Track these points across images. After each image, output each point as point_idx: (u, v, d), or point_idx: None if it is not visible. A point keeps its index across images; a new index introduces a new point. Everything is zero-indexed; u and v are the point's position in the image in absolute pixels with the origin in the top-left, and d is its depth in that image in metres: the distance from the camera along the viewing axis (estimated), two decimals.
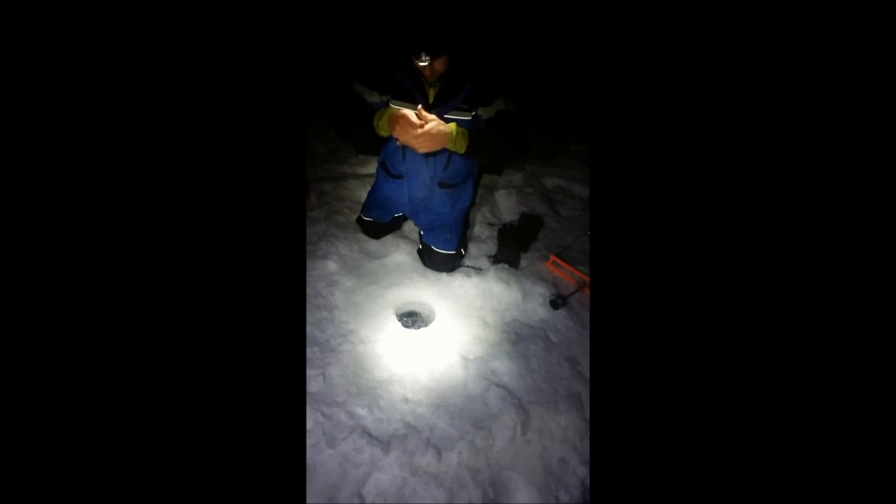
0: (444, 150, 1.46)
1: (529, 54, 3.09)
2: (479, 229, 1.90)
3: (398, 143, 1.35)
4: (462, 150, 1.35)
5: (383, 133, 1.38)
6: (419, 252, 1.73)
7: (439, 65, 1.30)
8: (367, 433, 1.18)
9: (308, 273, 1.62)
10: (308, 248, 1.73)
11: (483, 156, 1.42)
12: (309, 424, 1.19)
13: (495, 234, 1.86)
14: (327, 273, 1.64)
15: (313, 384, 1.29)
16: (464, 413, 1.25)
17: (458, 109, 1.38)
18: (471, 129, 1.37)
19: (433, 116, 1.31)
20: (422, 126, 1.28)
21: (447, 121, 1.38)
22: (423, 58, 1.23)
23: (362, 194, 1.96)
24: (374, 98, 1.44)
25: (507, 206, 2.05)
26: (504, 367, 1.37)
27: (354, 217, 1.87)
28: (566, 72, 2.86)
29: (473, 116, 1.40)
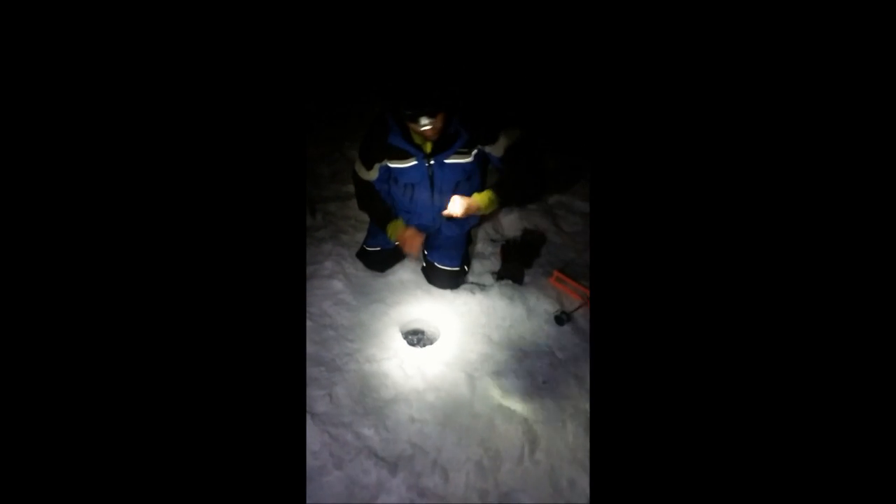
0: (450, 192, 1.53)
1: (522, 75, 3.15)
2: (481, 246, 1.91)
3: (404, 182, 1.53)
4: (496, 206, 1.48)
5: (393, 240, 1.63)
6: (423, 269, 1.74)
7: (438, 122, 1.34)
8: (373, 454, 1.18)
9: (314, 292, 1.63)
10: (314, 267, 1.74)
11: (516, 201, 1.49)
12: (316, 446, 1.18)
13: (498, 250, 1.87)
14: (333, 292, 1.65)
15: (320, 404, 1.29)
16: (471, 433, 1.24)
17: (457, 154, 1.44)
18: (498, 177, 1.51)
19: (451, 205, 1.43)
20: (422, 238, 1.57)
21: (448, 167, 1.45)
22: (423, 122, 1.26)
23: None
24: (373, 174, 1.56)
25: (509, 222, 2.06)
26: (510, 386, 1.37)
27: (359, 236, 1.88)
28: (563, 89, 2.91)
29: (475, 156, 1.46)
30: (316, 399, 1.30)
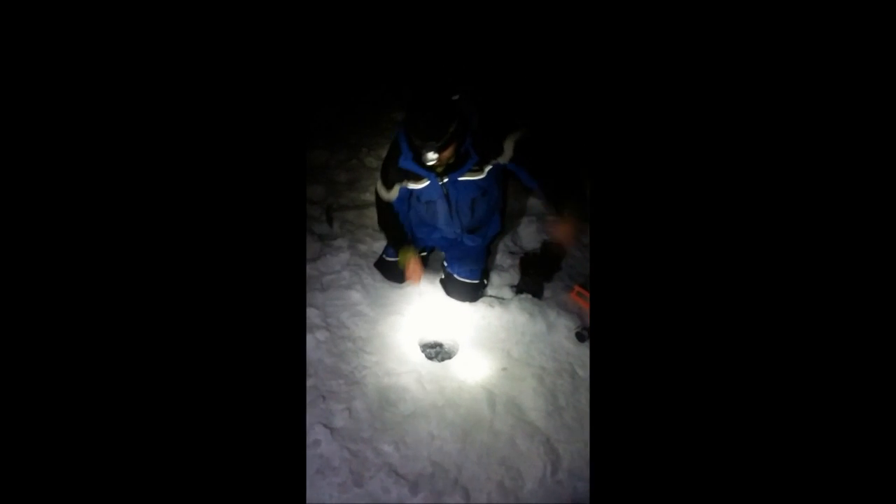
0: (467, 207, 1.52)
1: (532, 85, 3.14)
2: (500, 258, 1.90)
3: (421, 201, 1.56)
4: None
5: (400, 266, 1.64)
6: (441, 281, 1.73)
7: (448, 153, 1.32)
8: (394, 471, 1.16)
9: (332, 303, 1.62)
10: (331, 277, 1.74)
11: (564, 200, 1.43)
12: (336, 462, 1.17)
13: (517, 263, 1.86)
14: (351, 303, 1.64)
15: (339, 419, 1.28)
16: (491, 452, 1.22)
17: (470, 172, 1.43)
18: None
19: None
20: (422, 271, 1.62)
21: (461, 184, 1.44)
22: (430, 157, 1.26)
23: None
24: (393, 194, 1.56)
25: (528, 234, 2.05)
26: (531, 404, 1.35)
27: (377, 245, 1.88)
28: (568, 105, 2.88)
29: (488, 172, 1.44)
30: (335, 413, 1.29)
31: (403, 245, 1.60)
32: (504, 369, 1.44)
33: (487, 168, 1.42)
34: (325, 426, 1.24)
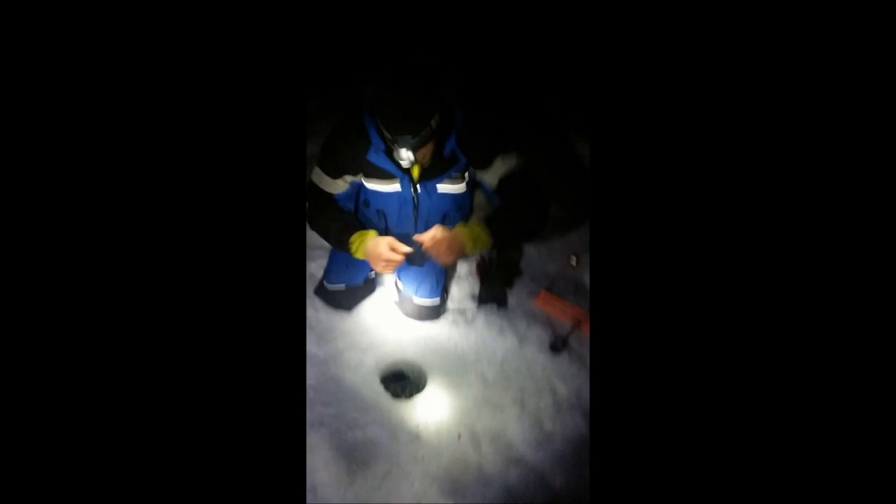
0: (439, 212, 1.26)
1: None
2: (455, 266, 1.73)
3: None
4: (488, 246, 1.17)
5: (359, 257, 1.20)
6: (397, 304, 1.52)
7: (427, 151, 1.07)
8: None
9: None
10: None
11: (511, 241, 1.21)
12: None
13: (474, 268, 1.70)
14: None
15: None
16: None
17: (450, 179, 1.17)
18: (490, 210, 1.22)
19: (430, 234, 1.12)
20: (405, 255, 1.13)
21: (438, 196, 1.18)
22: (406, 156, 1.00)
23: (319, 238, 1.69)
24: (339, 186, 1.21)
25: None
26: (517, 437, 1.23)
27: (313, 266, 1.60)
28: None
29: (468, 183, 1.20)
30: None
31: (355, 231, 1.21)
32: (459, 436, 1.21)
33: (466, 180, 1.18)
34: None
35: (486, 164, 1.16)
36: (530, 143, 1.24)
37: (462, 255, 1.17)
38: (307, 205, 1.29)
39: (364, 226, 1.25)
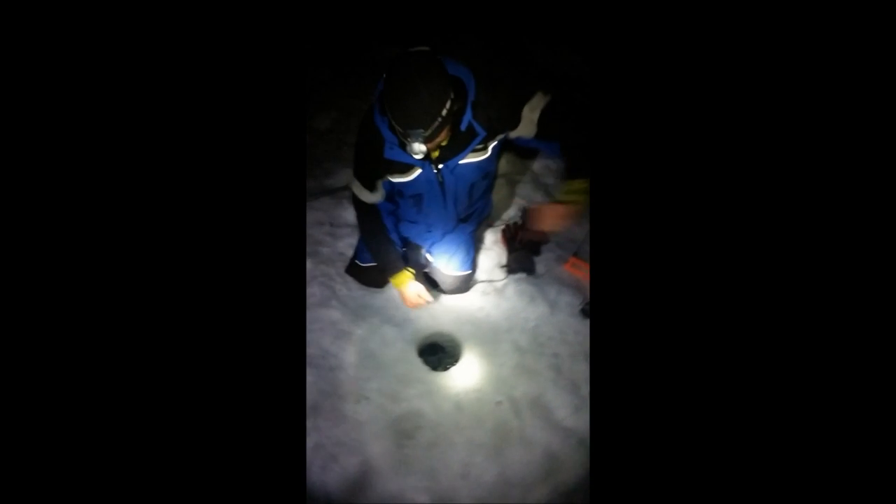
0: (465, 194, 1.25)
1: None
2: (480, 237, 1.72)
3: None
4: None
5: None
6: (427, 277, 1.54)
7: (442, 138, 1.03)
8: None
9: (308, 328, 1.37)
10: None
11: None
12: None
13: (499, 236, 1.70)
14: (330, 323, 1.40)
15: (357, 473, 1.11)
16: (532, 468, 1.14)
17: (473, 153, 1.13)
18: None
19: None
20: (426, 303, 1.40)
21: (462, 167, 1.15)
22: (418, 149, 0.96)
23: (346, 215, 1.68)
24: (378, 195, 1.24)
25: (500, 199, 1.87)
26: (556, 401, 1.26)
27: (341, 245, 1.61)
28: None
29: (493, 149, 1.15)
30: (353, 467, 1.12)
31: (397, 272, 1.36)
32: (499, 403, 1.26)
33: (492, 144, 1.13)
34: (347, 488, 1.08)
35: (514, 123, 1.11)
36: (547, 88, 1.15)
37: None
38: (357, 217, 1.35)
39: (399, 266, 1.37)
